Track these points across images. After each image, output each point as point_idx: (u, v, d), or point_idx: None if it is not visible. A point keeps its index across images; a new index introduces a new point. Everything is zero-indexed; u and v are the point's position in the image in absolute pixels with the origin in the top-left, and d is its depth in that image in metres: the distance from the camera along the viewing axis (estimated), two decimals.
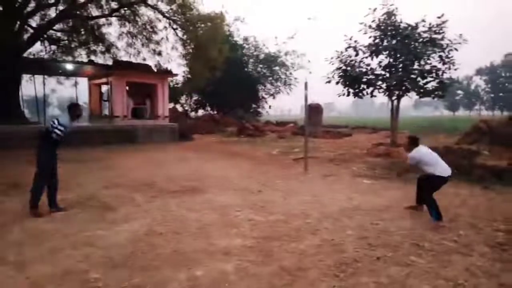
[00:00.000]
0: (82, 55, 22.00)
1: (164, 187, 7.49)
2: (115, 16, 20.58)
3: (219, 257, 3.99)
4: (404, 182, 8.20)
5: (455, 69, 12.68)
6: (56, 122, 5.62)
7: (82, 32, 21.09)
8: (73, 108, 5.86)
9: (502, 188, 7.46)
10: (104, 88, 21.41)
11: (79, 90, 22.99)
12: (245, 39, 32.09)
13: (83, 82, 22.29)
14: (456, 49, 12.34)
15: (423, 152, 5.38)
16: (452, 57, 12.49)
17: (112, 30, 24.51)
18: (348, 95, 13.88)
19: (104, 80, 19.35)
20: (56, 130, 5.55)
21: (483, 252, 4.14)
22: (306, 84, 9.84)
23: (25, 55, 18.09)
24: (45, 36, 19.98)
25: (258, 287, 3.34)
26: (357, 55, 13.35)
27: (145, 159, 11.75)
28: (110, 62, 21.23)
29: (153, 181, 8.18)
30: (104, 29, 21.77)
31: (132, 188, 7.45)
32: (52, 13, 19.53)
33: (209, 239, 4.55)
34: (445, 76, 12.71)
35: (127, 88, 19.10)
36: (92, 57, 21.55)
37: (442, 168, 5.26)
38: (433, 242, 4.44)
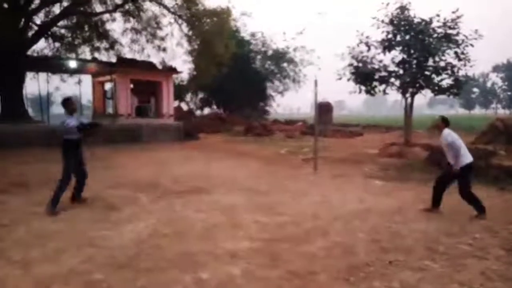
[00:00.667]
0: (85, 52, 21.81)
1: (169, 187, 7.41)
2: (119, 12, 20.42)
3: (226, 260, 3.87)
4: (417, 183, 8.00)
5: (471, 66, 12.31)
6: (66, 125, 5.74)
7: (86, 29, 20.93)
8: (66, 103, 5.91)
9: None
10: (108, 86, 21.22)
11: (82, 88, 22.96)
12: (252, 34, 31.79)
13: (87, 79, 22.11)
14: (472, 45, 11.98)
15: (455, 135, 5.41)
16: (467, 53, 12.14)
17: (116, 26, 24.41)
18: (360, 92, 13.60)
19: (108, 77, 19.26)
20: (70, 135, 5.76)
21: (498, 255, 4.00)
22: (316, 81, 9.66)
23: (28, 52, 18.11)
24: (49, 33, 19.94)
25: None
26: (369, 50, 13.06)
27: (150, 159, 11.70)
28: (114, 59, 21.04)
29: (158, 181, 8.11)
30: (108, 26, 21.63)
31: (136, 188, 7.37)
32: (56, 9, 19.44)
33: (216, 241, 4.43)
34: (461, 73, 12.35)
35: (131, 85, 18.93)
36: (96, 54, 21.41)
37: (469, 154, 5.40)
38: (448, 245, 4.27)
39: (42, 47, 21.16)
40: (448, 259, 3.89)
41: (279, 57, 31.69)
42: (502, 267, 3.68)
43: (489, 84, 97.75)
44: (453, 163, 5.31)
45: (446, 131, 5.42)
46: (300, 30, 31.79)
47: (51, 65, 18.82)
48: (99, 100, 21.70)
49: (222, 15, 19.78)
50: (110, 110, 20.99)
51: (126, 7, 20.27)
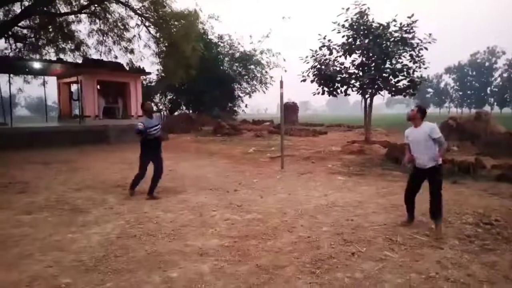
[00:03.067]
0: (50, 53, 21.22)
1: (138, 188, 7.32)
2: (84, 13, 19.93)
3: (195, 258, 3.94)
4: (377, 178, 8.40)
5: (425, 68, 13.06)
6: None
7: (50, 29, 20.29)
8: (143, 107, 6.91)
9: (470, 182, 7.74)
10: (74, 87, 20.74)
11: (48, 89, 22.23)
12: (220, 37, 31.80)
13: (52, 81, 21.54)
14: (426, 48, 12.70)
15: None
16: (422, 56, 12.85)
17: (82, 27, 23.76)
18: (323, 93, 14.05)
19: (73, 78, 18.74)
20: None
21: (453, 244, 4.28)
22: (281, 82, 9.88)
23: None
24: (10, 33, 19.11)
25: (235, 287, 3.31)
26: (331, 54, 13.54)
27: (118, 160, 11.46)
28: (80, 60, 20.57)
29: (126, 182, 7.95)
30: (74, 26, 21.05)
31: (104, 190, 7.26)
32: (17, 9, 18.68)
33: (185, 240, 4.48)
34: (416, 74, 13.08)
35: (98, 87, 18.58)
36: (61, 55, 20.79)
37: None
38: (406, 236, 4.55)
39: (3, 47, 20.31)
40: (406, 249, 4.14)
41: (246, 59, 31.84)
42: (456, 256, 3.94)
43: (442, 85, 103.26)
44: (436, 159, 4.59)
45: (428, 123, 4.72)
46: (266, 34, 32.16)
47: (13, 66, 17.95)
48: (65, 101, 21.04)
49: (190, 17, 19.67)
50: (76, 111, 20.38)
51: (92, 8, 19.71)
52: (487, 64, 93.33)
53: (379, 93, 13.76)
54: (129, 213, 5.63)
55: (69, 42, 21.17)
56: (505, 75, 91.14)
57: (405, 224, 4.98)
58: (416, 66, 12.91)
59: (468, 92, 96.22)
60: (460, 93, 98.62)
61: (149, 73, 22.38)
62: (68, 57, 21.06)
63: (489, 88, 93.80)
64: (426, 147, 4.65)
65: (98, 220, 5.31)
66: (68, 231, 4.80)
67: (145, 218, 5.39)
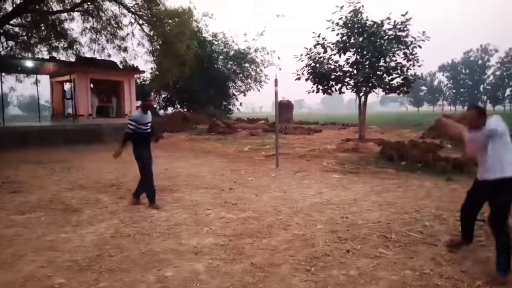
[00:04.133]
0: (42, 51, 21.00)
1: (132, 188, 7.24)
2: (77, 11, 19.78)
3: (190, 257, 3.92)
4: (371, 176, 8.44)
5: (419, 66, 13.11)
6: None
7: (43, 28, 20.09)
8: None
9: (463, 179, 7.79)
10: (67, 86, 20.61)
11: (40, 88, 22.05)
12: (214, 35, 31.71)
13: (45, 79, 21.41)
14: (419, 46, 12.75)
15: (504, 125, 3.51)
16: (416, 54, 12.90)
17: (75, 25, 23.68)
18: (318, 91, 14.05)
19: (66, 77, 18.61)
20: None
21: (447, 241, 4.28)
22: (276, 80, 9.87)
23: None
24: (1, 31, 18.91)
25: (230, 285, 3.30)
26: (325, 52, 13.54)
27: (112, 159, 11.33)
28: (73, 59, 20.43)
29: (120, 181, 7.95)
30: (66, 25, 20.88)
31: (98, 190, 7.21)
32: (8, 6, 18.51)
33: (179, 239, 4.46)
34: (410, 72, 13.12)
35: (91, 85, 18.48)
36: (54, 54, 20.62)
37: None
38: (400, 233, 4.56)
39: None
40: (401, 246, 4.16)
41: (241, 57, 31.79)
42: (451, 253, 3.95)
43: (436, 83, 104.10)
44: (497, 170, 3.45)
45: (492, 121, 3.52)
46: (261, 32, 32.11)
47: (4, 64, 17.77)
48: (58, 100, 20.91)
49: (184, 15, 19.62)
50: (69, 110, 20.25)
51: (85, 6, 19.57)
52: (480, 62, 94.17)
53: (373, 91, 13.81)
54: (123, 212, 5.59)
55: (62, 40, 21.01)
56: (497, 73, 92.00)
57: (452, 245, 4.07)
58: (410, 64, 12.96)
59: (461, 90, 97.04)
60: (454, 91, 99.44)
61: (143, 72, 22.31)
62: (61, 56, 20.95)
63: (482, 86, 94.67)
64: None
65: (92, 219, 5.27)
66: (62, 231, 4.76)
67: (140, 217, 5.36)
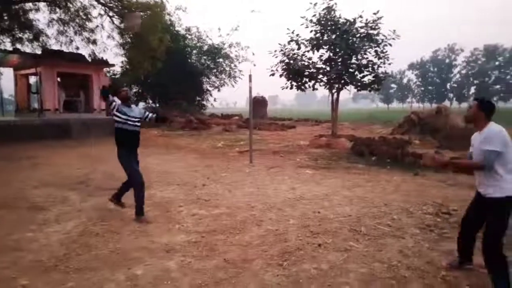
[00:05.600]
0: (5, 42, 19.96)
1: (102, 185, 7.10)
2: (43, 1, 18.94)
3: (161, 255, 3.87)
4: (343, 171, 8.60)
5: (389, 64, 13.45)
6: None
7: (5, 18, 19.09)
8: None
9: (430, 174, 8.10)
10: (33, 79, 19.72)
11: (3, 81, 21.02)
12: (188, 29, 31.20)
13: (8, 72, 20.37)
14: (390, 45, 13.06)
15: (507, 135, 3.00)
16: (386, 52, 13.22)
17: (41, 16, 22.60)
18: (292, 88, 14.15)
19: (32, 70, 17.80)
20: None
21: (414, 233, 4.45)
22: (250, 76, 9.85)
23: None
24: None
25: (202, 282, 3.28)
26: (299, 48, 13.62)
27: (80, 155, 11.03)
28: (39, 51, 19.56)
29: (89, 178, 7.72)
30: (32, 15, 19.91)
31: (65, 187, 6.97)
32: None
33: (151, 236, 4.39)
34: (380, 70, 13.44)
35: (58, 79, 17.77)
36: (18, 46, 19.65)
37: None
38: (369, 227, 4.68)
39: None
40: (370, 239, 4.27)
41: (215, 52, 31.48)
42: (417, 245, 4.10)
43: (405, 81, 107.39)
44: (494, 186, 3.02)
45: (491, 127, 3.06)
46: (235, 27, 31.87)
47: None
48: (23, 94, 19.90)
49: (155, 8, 19.17)
50: (35, 105, 19.39)
51: None
52: (447, 61, 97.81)
53: (346, 88, 14.05)
54: (92, 211, 5.43)
55: (27, 31, 20.04)
56: (463, 71, 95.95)
57: (449, 267, 3.54)
58: (381, 62, 13.27)
59: (430, 87, 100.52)
60: (422, 88, 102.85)
61: (113, 65, 21.67)
62: (26, 48, 19.99)
63: (448, 84, 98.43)
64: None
65: (59, 218, 5.09)
66: (27, 230, 4.58)
67: (109, 215, 5.22)
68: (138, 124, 5.14)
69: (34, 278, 3.34)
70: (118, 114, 4.96)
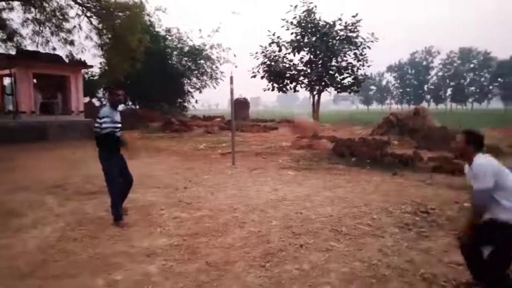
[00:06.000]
0: None
1: (80, 188, 6.95)
2: (17, 0, 18.40)
3: (142, 259, 3.81)
4: (324, 172, 8.69)
5: (368, 66, 13.75)
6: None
7: None
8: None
9: (409, 174, 8.28)
10: (7, 81, 19.11)
11: None
12: (168, 30, 30.89)
13: None
14: (369, 47, 13.32)
15: (496, 164, 2.92)
16: (365, 54, 13.47)
17: (15, 16, 21.94)
18: (273, 89, 14.25)
19: (6, 71, 17.25)
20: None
21: (393, 232, 4.53)
22: (231, 78, 9.85)
23: None
24: None
25: (184, 285, 3.25)
26: (280, 50, 13.73)
27: (58, 159, 10.76)
28: (13, 52, 18.99)
29: (66, 182, 7.53)
30: (5, 14, 19.37)
31: (42, 191, 6.78)
32: None
33: (131, 241, 4.31)
34: (360, 72, 13.69)
35: (34, 80, 17.29)
36: None
37: None
38: (350, 227, 4.74)
39: None
40: (351, 239, 4.32)
41: (196, 53, 31.28)
42: (396, 244, 4.17)
43: (384, 82, 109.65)
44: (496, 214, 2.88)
45: (483, 159, 2.92)
46: (216, 28, 31.77)
47: None
48: None
49: (135, 8, 18.90)
50: (10, 107, 18.79)
51: None
52: (424, 63, 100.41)
53: (326, 90, 14.25)
54: (70, 215, 5.30)
55: (0, 31, 19.48)
56: (440, 73, 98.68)
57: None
58: (360, 64, 13.53)
59: (408, 89, 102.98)
60: (400, 90, 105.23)
61: (91, 66, 21.26)
62: (0, 48, 19.42)
63: (426, 86, 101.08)
64: None
65: (36, 223, 4.95)
66: (2, 236, 4.43)
67: (87, 219, 5.11)
68: (120, 126, 5.02)
69: (9, 285, 3.24)
70: (106, 119, 4.72)
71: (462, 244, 3.14)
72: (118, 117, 4.96)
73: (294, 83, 14.03)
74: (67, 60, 19.67)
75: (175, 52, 31.54)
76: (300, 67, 13.93)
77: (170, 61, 30.77)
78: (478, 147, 2.98)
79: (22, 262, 3.71)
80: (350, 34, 13.24)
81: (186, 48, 31.58)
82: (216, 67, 32.12)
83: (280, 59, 13.72)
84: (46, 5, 19.11)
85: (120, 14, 18.57)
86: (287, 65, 13.78)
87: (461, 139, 3.05)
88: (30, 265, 3.63)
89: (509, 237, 2.84)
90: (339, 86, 13.79)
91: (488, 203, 2.86)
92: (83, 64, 19.59)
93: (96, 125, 4.84)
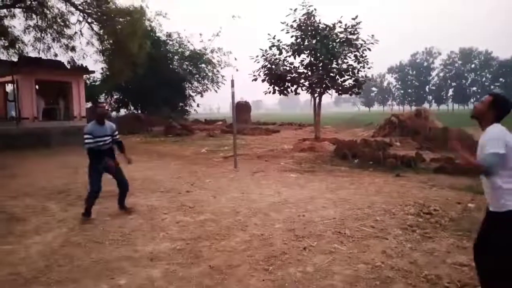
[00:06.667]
0: None
1: (83, 194, 6.91)
2: (18, 7, 18.54)
3: (145, 263, 3.81)
4: (327, 174, 8.68)
5: (369, 68, 13.71)
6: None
7: None
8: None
9: (411, 175, 8.25)
10: (9, 87, 19.24)
11: None
12: (169, 35, 31.07)
13: None
14: (369, 49, 13.31)
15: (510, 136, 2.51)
16: (366, 56, 13.46)
17: (17, 23, 22.15)
18: (274, 92, 14.25)
19: (8, 78, 17.36)
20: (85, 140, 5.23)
21: (396, 234, 4.50)
22: (232, 81, 9.87)
23: None
24: None
25: None
26: (280, 53, 13.74)
27: (60, 164, 10.79)
28: (15, 58, 19.16)
29: (69, 188, 7.55)
30: (7, 22, 19.56)
31: (45, 197, 6.81)
32: None
33: (134, 245, 4.31)
34: (360, 74, 13.67)
35: (36, 87, 17.39)
36: None
37: None
38: (353, 229, 4.73)
39: None
40: (354, 241, 4.31)
41: (197, 58, 31.41)
42: (400, 245, 4.15)
43: (385, 84, 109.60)
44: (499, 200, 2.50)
45: (494, 129, 2.55)
46: (217, 32, 31.91)
47: None
48: None
49: (136, 14, 19.02)
50: (12, 113, 18.91)
51: (28, 2, 18.34)
52: (425, 64, 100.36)
53: (327, 92, 14.24)
54: (73, 220, 5.31)
55: (2, 38, 19.61)
56: (441, 74, 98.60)
57: None
58: (361, 66, 13.51)
59: (409, 90, 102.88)
60: (402, 91, 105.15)
61: (93, 72, 21.38)
62: (2, 55, 19.66)
63: (427, 87, 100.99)
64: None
65: (39, 228, 4.96)
66: (4, 242, 4.44)
67: (91, 224, 5.11)
68: (108, 142, 5.37)
69: None
70: (88, 136, 5.17)
71: (474, 248, 2.74)
72: (105, 130, 5.34)
73: (295, 86, 14.03)
74: (68, 66, 19.86)
75: (176, 57, 31.70)
76: (301, 69, 13.94)
77: (171, 66, 30.94)
78: (501, 116, 2.56)
79: (25, 268, 3.72)
80: (350, 36, 13.24)
81: (187, 53, 31.73)
82: (217, 70, 32.28)
83: (280, 62, 13.73)
84: (48, 12, 19.29)
85: (121, 20, 18.70)
86: (288, 68, 13.78)
87: (487, 101, 2.60)
88: (33, 271, 3.64)
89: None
90: (340, 88, 13.77)
91: (496, 169, 2.44)
92: (84, 70, 19.73)
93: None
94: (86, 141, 5.16)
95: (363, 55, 13.37)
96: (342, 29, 13.37)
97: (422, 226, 4.79)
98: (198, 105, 34.81)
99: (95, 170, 5.29)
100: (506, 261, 2.46)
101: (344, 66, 13.51)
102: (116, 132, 5.57)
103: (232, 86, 9.83)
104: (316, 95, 14.16)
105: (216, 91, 33.01)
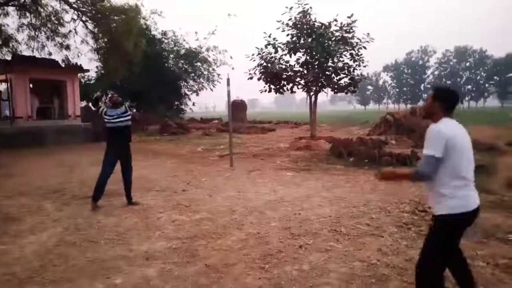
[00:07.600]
0: None
1: (77, 193, 6.93)
2: (12, 5, 18.37)
3: (141, 262, 3.80)
4: (322, 172, 8.69)
5: (364, 66, 13.78)
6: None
7: None
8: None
9: None
10: (3, 86, 19.08)
11: None
12: (164, 33, 30.87)
13: None
14: (364, 47, 13.36)
15: (456, 132, 2.42)
16: (361, 54, 13.50)
17: (10, 21, 21.92)
18: (270, 91, 14.28)
19: (2, 77, 17.23)
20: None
21: (392, 232, 4.53)
22: (228, 80, 9.86)
23: None
24: None
25: None
26: (276, 52, 13.75)
27: (55, 163, 10.72)
28: (8, 57, 18.99)
29: (64, 187, 7.51)
30: (0, 20, 19.34)
31: (39, 196, 6.76)
32: None
33: (130, 244, 4.30)
34: (356, 72, 13.72)
35: (30, 85, 17.26)
36: None
37: (465, 192, 2.42)
38: (349, 227, 4.74)
39: None
40: (350, 239, 4.32)
41: (192, 56, 31.27)
42: (395, 243, 4.17)
43: (381, 82, 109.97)
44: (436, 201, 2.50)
45: (435, 126, 2.46)
46: (212, 30, 31.77)
47: None
48: None
49: (130, 12, 18.89)
50: (6, 112, 18.78)
51: (21, 0, 18.18)
52: (420, 62, 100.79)
53: (323, 91, 14.27)
54: (68, 220, 5.28)
55: None
56: (436, 72, 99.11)
57: None
58: (356, 65, 13.56)
59: (404, 88, 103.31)
60: (397, 89, 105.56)
61: (87, 70, 21.28)
62: None
63: (422, 85, 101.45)
64: None
65: (34, 228, 4.93)
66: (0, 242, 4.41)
67: (86, 224, 5.09)
68: (124, 118, 5.98)
69: None
70: (105, 116, 5.94)
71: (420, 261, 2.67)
72: (119, 111, 6.03)
73: (290, 84, 14.06)
74: (63, 65, 19.71)
75: (171, 55, 31.53)
76: (297, 68, 13.96)
77: (166, 64, 30.77)
78: (447, 107, 2.47)
79: (19, 268, 3.69)
80: (345, 35, 13.28)
81: (183, 51, 31.56)
82: (213, 69, 32.10)
83: (276, 61, 13.74)
84: (41, 10, 19.13)
85: (115, 18, 18.58)
86: (284, 67, 13.80)
87: (428, 95, 2.61)
88: (28, 271, 3.61)
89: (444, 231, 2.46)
90: (335, 86, 13.82)
91: (433, 174, 2.39)
92: (79, 69, 19.61)
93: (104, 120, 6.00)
94: (105, 121, 5.95)
95: (359, 53, 13.42)
96: (338, 28, 13.40)
97: (417, 223, 4.81)
98: (193, 104, 34.65)
99: (107, 156, 5.96)
100: (431, 258, 2.55)
101: (340, 64, 13.57)
102: (128, 113, 6.14)
103: (228, 84, 9.82)
104: (312, 93, 14.19)
105: (211, 89, 32.87)
